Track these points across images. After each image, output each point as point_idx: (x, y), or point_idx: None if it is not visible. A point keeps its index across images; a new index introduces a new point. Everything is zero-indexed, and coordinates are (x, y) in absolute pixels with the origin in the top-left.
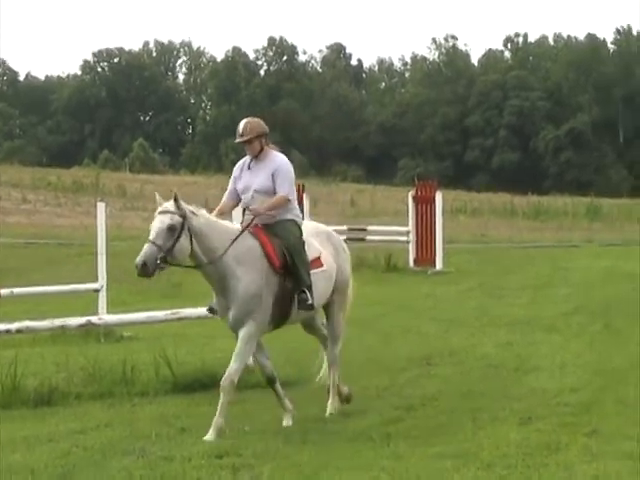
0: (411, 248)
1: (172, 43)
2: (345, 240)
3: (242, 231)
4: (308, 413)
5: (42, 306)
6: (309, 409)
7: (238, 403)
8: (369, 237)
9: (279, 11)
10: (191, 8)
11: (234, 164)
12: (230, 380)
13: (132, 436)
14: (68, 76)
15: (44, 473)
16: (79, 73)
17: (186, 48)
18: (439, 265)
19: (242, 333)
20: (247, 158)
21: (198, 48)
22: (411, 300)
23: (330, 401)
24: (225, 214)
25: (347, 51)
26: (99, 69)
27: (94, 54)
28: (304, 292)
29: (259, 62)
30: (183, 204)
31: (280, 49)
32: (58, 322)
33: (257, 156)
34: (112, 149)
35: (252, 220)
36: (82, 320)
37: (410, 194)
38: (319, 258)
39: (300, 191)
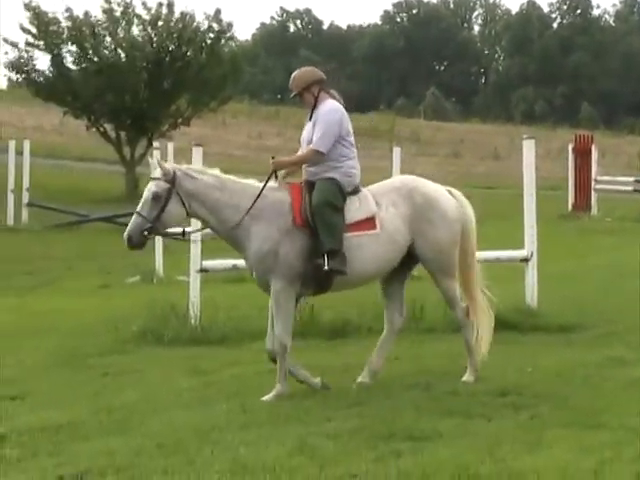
0: None
1: None
2: (633, 191)
3: (261, 190)
4: (588, 358)
5: None
6: (590, 354)
7: (522, 344)
8: None
9: None
10: None
11: (524, 115)
12: (281, 344)
13: (419, 371)
14: (369, 25)
15: (335, 401)
16: (379, 23)
17: (482, 1)
18: None
19: (271, 295)
20: None
21: (494, 1)
22: None
23: (468, 366)
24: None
25: None
26: (398, 19)
27: (394, 5)
28: (323, 256)
29: (553, 15)
30: (176, 167)
31: (574, 3)
32: None
33: (315, 106)
34: (407, 97)
35: (271, 174)
36: None
37: None
38: (371, 220)
39: (589, 142)
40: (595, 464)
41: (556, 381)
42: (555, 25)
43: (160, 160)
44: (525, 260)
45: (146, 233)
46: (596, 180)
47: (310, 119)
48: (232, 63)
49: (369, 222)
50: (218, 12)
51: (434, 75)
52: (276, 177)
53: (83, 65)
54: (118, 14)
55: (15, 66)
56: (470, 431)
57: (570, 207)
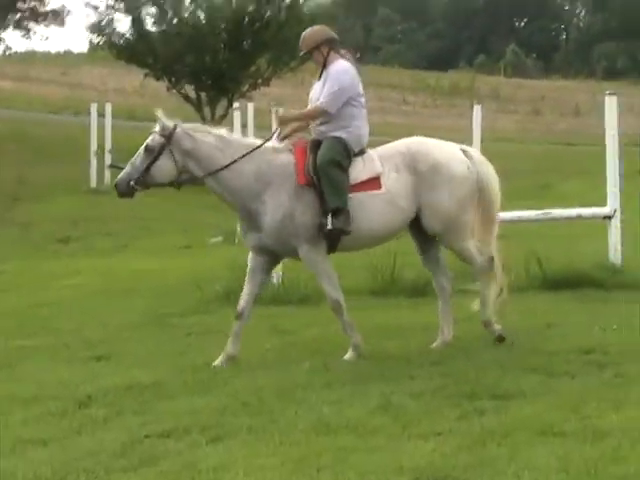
0: None
1: None
2: None
3: (257, 147)
4: None
5: None
6: None
7: (607, 302)
8: None
9: None
10: None
11: (606, 71)
12: (333, 301)
13: (503, 328)
14: None
15: (417, 360)
16: None
17: None
18: None
19: (303, 260)
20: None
21: None
22: None
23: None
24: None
25: None
26: None
27: None
28: (327, 215)
29: None
30: (180, 124)
31: None
32: None
33: (324, 66)
34: (487, 54)
35: (276, 129)
36: None
37: None
38: (375, 180)
39: None
40: None
41: None
42: None
43: (163, 115)
44: (608, 217)
45: (132, 183)
46: None
47: (320, 78)
48: (312, 22)
49: (374, 182)
50: None
51: (514, 32)
52: (279, 133)
53: (163, 27)
54: None
55: (96, 29)
56: (554, 389)
57: None
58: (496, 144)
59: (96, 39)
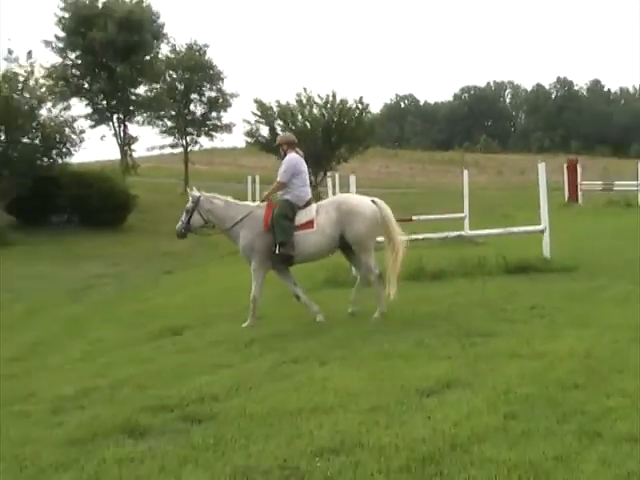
0: None
1: (503, 82)
2: (602, 190)
3: (246, 214)
4: (583, 285)
5: (440, 226)
6: (583, 283)
7: (543, 280)
8: None
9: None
10: (514, 55)
11: (538, 148)
12: (253, 296)
13: (483, 298)
14: (446, 102)
15: (437, 316)
16: (452, 100)
17: (510, 84)
18: None
19: (252, 271)
20: None
21: (517, 84)
22: None
23: (378, 307)
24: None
25: None
26: (463, 97)
27: (461, 89)
28: (276, 245)
29: (551, 90)
30: (204, 194)
31: (564, 84)
32: (443, 234)
33: (283, 157)
34: (470, 141)
35: (261, 201)
36: (456, 233)
37: None
38: (311, 222)
39: (576, 162)
40: (588, 346)
41: (565, 299)
42: (553, 96)
43: (192, 190)
44: (542, 231)
45: (183, 230)
46: (581, 184)
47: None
48: (369, 127)
49: (310, 223)
50: (361, 97)
51: (484, 127)
52: (263, 201)
53: (286, 132)
54: (304, 101)
55: (249, 134)
56: (514, 330)
57: (566, 200)
58: (477, 191)
59: (249, 140)
